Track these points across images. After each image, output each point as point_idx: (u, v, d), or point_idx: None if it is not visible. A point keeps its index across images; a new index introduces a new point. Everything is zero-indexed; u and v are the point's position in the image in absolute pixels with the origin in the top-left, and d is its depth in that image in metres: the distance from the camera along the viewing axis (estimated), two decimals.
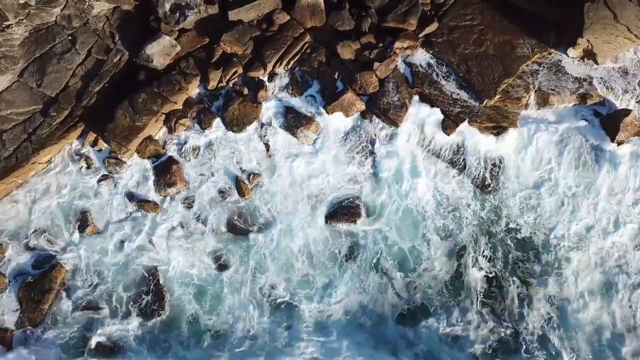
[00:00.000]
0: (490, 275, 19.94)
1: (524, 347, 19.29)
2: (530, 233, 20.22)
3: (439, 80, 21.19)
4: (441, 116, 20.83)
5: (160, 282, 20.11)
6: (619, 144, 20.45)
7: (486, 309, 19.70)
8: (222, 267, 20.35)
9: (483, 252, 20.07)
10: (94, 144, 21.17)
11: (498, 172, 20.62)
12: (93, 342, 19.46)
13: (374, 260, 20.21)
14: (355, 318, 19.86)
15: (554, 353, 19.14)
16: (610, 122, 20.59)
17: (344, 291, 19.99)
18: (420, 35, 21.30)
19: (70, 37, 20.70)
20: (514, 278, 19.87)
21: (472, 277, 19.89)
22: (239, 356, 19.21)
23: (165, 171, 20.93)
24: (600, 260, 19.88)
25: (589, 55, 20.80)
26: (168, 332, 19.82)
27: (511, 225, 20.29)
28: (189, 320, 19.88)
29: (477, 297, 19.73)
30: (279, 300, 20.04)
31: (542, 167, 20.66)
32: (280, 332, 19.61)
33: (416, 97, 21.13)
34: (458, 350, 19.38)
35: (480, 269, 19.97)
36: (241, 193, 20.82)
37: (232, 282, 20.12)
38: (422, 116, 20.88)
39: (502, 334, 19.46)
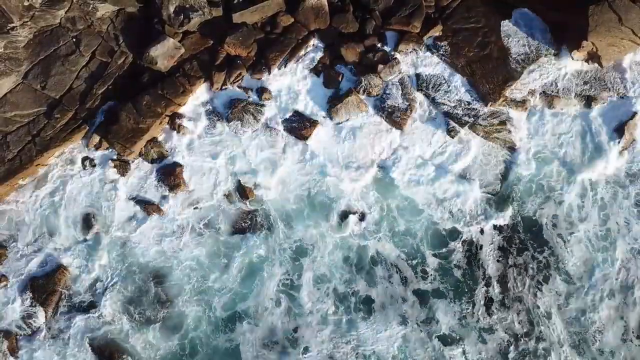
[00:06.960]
0: None
1: None
2: None
3: (443, 82, 21.17)
4: None
5: None
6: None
7: None
8: None
9: None
10: (98, 145, 21.15)
11: None
12: None
13: None
14: None
15: None
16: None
17: None
18: (424, 38, 21.26)
19: (74, 39, 20.71)
20: None
21: None
22: None
23: (169, 173, 20.93)
24: None
25: (594, 57, 20.72)
26: None
27: None
28: None
29: None
30: None
31: None
32: None
33: None
34: None
35: None
36: (244, 195, 20.83)
37: None
38: None
39: None
